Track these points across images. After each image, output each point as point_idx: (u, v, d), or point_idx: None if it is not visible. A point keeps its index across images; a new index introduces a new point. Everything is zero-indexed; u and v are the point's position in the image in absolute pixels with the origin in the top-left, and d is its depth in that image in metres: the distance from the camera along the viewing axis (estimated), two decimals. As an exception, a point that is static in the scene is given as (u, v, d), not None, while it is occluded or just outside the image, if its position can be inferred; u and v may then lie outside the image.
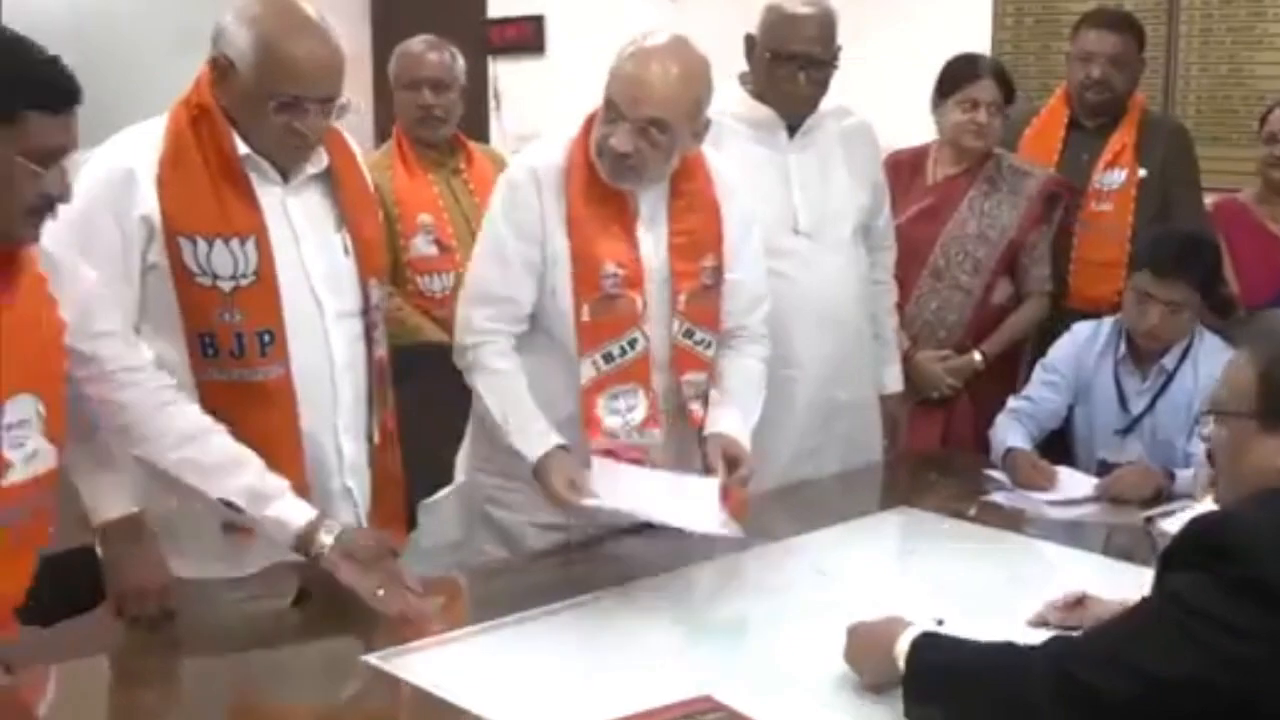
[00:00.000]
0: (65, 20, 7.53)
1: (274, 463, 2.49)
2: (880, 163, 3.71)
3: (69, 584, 2.58)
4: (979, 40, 5.52)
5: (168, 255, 2.48)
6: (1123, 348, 3.50)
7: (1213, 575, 1.78)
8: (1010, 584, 2.74)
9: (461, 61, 4.03)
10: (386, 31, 8.22)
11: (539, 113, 6.69)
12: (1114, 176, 4.07)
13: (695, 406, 2.93)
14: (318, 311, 2.60)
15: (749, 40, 3.44)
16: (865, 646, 2.14)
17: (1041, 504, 3.26)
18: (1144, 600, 1.88)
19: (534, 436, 2.77)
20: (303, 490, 2.54)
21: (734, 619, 2.59)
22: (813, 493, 3.48)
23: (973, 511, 3.23)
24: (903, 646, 2.04)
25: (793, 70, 3.35)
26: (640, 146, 2.73)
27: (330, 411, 2.65)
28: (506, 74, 7.18)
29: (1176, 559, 1.85)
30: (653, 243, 2.88)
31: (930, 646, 2.03)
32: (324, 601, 2.63)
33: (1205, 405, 2.10)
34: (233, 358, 2.51)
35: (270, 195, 2.56)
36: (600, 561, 2.86)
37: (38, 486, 2.21)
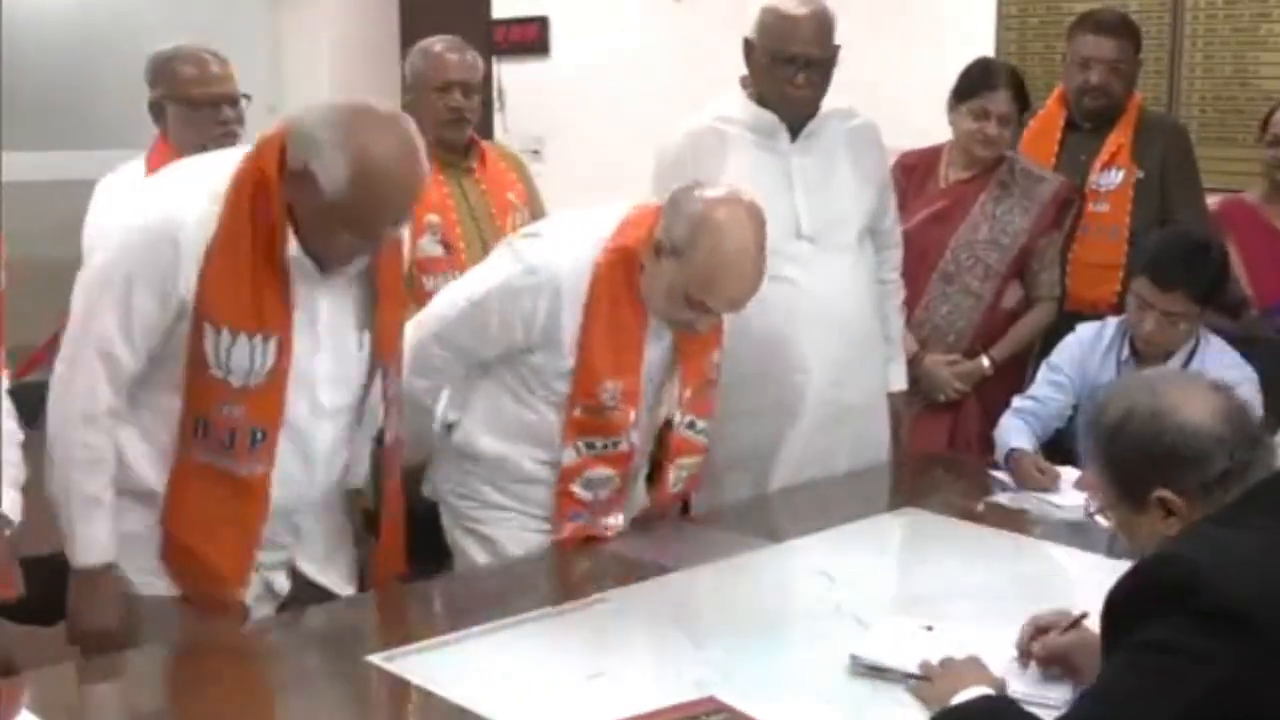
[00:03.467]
0: (74, 15, 7.57)
1: (229, 541, 2.55)
2: (887, 163, 3.70)
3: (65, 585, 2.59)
4: (983, 40, 5.52)
5: (188, 340, 2.46)
6: (1126, 349, 3.50)
7: (1177, 615, 1.80)
8: (1015, 585, 2.74)
9: (482, 63, 4.06)
10: (411, 35, 8.26)
11: (542, 113, 6.71)
12: (1111, 177, 4.06)
13: (678, 489, 3.08)
14: (310, 411, 2.60)
15: (747, 44, 3.42)
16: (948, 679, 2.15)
17: (1046, 504, 3.26)
18: (1115, 659, 1.89)
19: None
20: (242, 569, 2.59)
21: (738, 620, 2.58)
22: (818, 494, 3.48)
23: (978, 511, 3.22)
24: (966, 695, 2.05)
25: (792, 71, 3.34)
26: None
27: (297, 498, 2.65)
28: (510, 75, 7.19)
29: (1135, 609, 1.87)
30: (658, 350, 2.92)
31: (984, 702, 2.04)
32: (324, 602, 2.64)
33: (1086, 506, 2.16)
34: (221, 447, 2.51)
35: (304, 289, 2.52)
36: (604, 562, 2.87)
37: None
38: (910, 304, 3.87)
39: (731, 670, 2.29)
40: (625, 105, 6.85)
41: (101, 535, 2.52)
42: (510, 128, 7.09)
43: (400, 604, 2.80)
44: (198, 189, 2.47)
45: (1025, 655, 2.24)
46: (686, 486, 3.15)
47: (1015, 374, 3.97)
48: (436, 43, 4.01)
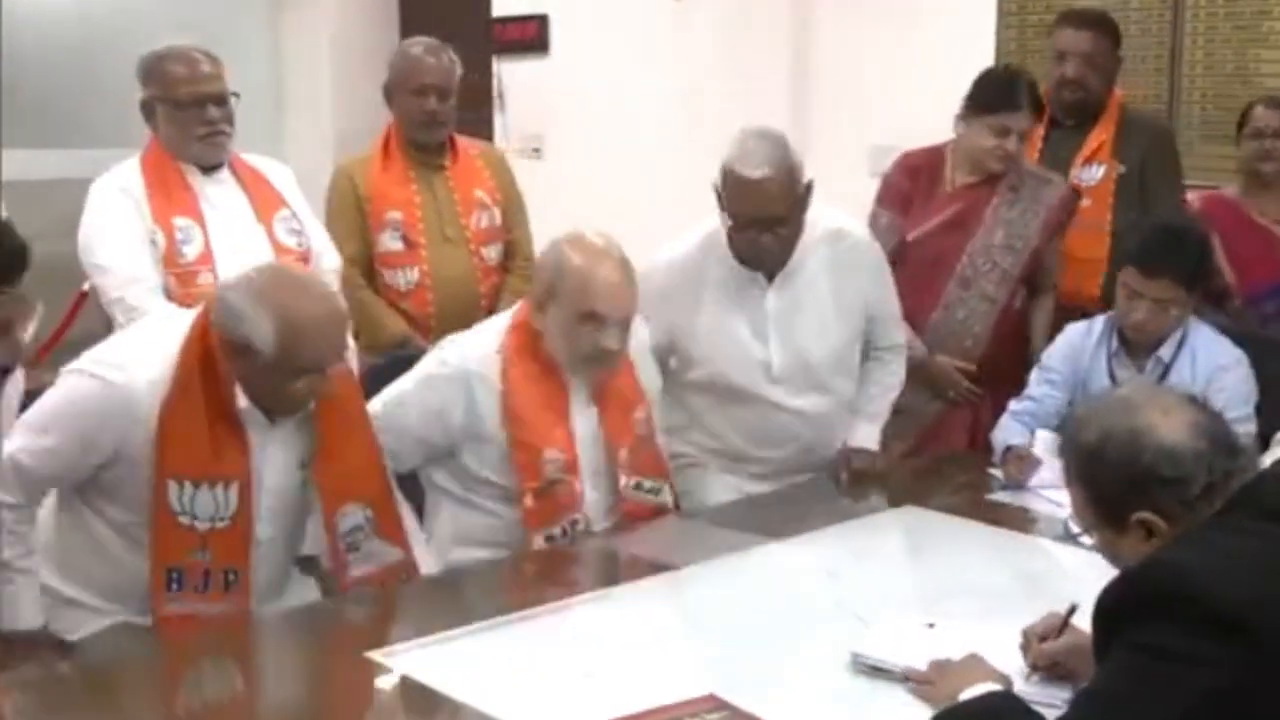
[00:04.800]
0: (73, 14, 7.56)
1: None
2: (881, 280, 3.56)
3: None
4: (984, 38, 5.52)
5: (153, 495, 2.57)
6: (1115, 342, 3.51)
7: (1171, 620, 1.81)
8: (1015, 582, 2.74)
9: (460, 65, 4.07)
10: (412, 32, 8.26)
11: (542, 112, 6.71)
12: (1092, 172, 4.10)
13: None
14: (267, 543, 2.70)
15: (716, 193, 3.30)
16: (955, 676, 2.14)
17: (1046, 502, 3.25)
18: (1109, 663, 1.89)
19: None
20: None
21: (739, 617, 2.58)
22: (819, 491, 3.48)
23: (979, 511, 3.22)
24: (972, 692, 2.05)
25: (757, 232, 3.26)
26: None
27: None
28: (510, 73, 7.19)
29: (1128, 616, 1.87)
30: (587, 424, 3.02)
31: (989, 699, 2.04)
32: (328, 599, 2.64)
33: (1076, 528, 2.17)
34: (197, 594, 2.61)
35: (258, 438, 2.66)
36: (605, 559, 2.87)
37: None
38: (927, 309, 3.89)
39: (732, 668, 2.28)
40: (626, 104, 6.85)
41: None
42: (510, 127, 7.09)
43: (401, 600, 2.80)
44: (152, 355, 2.60)
45: (1032, 668, 2.23)
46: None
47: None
48: (415, 45, 4.05)
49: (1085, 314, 3.71)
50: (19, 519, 2.60)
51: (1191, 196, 4.21)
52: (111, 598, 2.68)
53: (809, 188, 3.29)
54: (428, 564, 2.89)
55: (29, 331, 2.24)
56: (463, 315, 3.52)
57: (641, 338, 3.17)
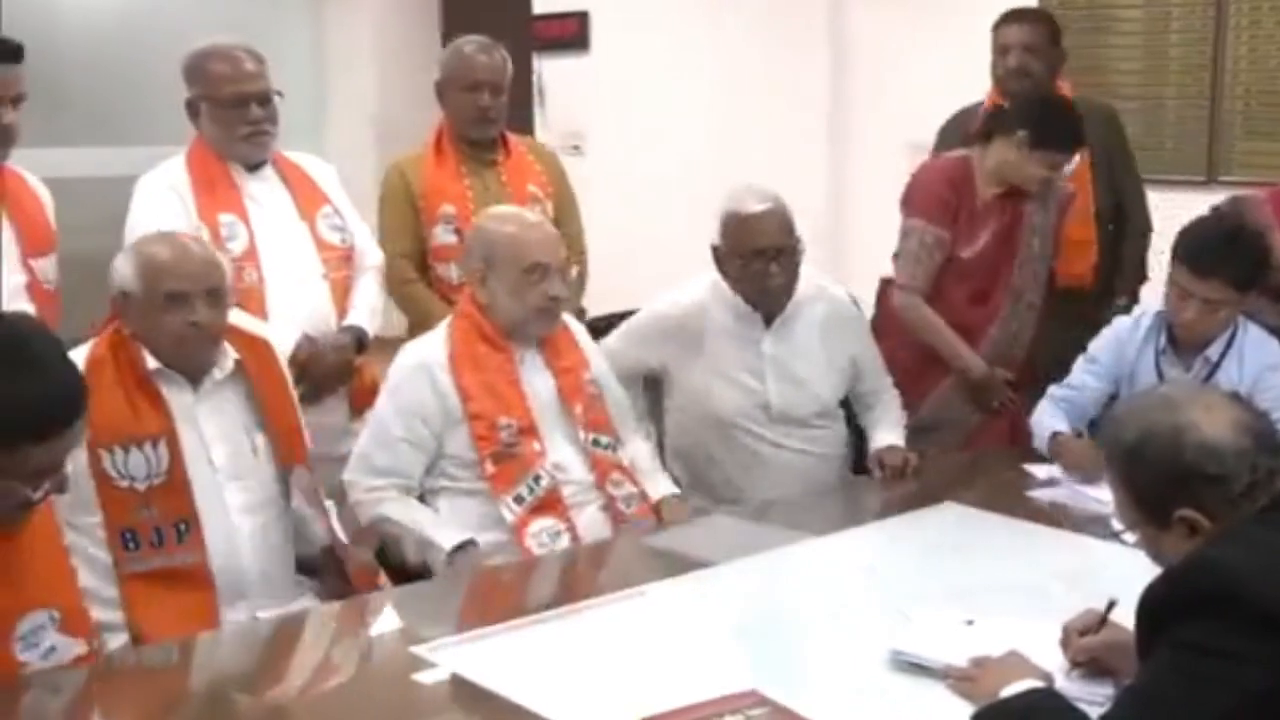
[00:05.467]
0: (118, 14, 7.62)
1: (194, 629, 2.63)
2: (862, 337, 3.75)
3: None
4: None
5: (89, 465, 2.66)
6: (1163, 339, 3.48)
7: (1216, 619, 1.80)
8: (1055, 579, 2.72)
9: (510, 63, 4.09)
10: (453, 29, 8.30)
11: (583, 109, 6.72)
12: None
13: (631, 510, 3.19)
14: (222, 510, 2.79)
15: (715, 250, 3.53)
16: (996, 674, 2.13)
17: (1084, 498, 3.24)
18: (1154, 660, 1.88)
19: (447, 529, 3.02)
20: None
21: (780, 614, 2.58)
22: (859, 489, 3.47)
23: (1018, 507, 3.21)
24: (1014, 689, 2.04)
25: (764, 263, 3.46)
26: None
27: (237, 584, 2.79)
28: (550, 70, 7.20)
29: (1172, 613, 1.86)
30: (541, 384, 3.16)
31: (1031, 695, 2.03)
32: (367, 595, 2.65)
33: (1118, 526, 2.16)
34: (152, 548, 2.70)
35: (181, 403, 2.78)
36: (647, 555, 2.87)
37: None
38: (983, 324, 3.92)
39: (772, 663, 2.29)
40: (665, 100, 6.86)
41: None
42: (550, 123, 7.10)
43: (443, 596, 2.81)
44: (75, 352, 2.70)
45: (1072, 664, 2.23)
46: (639, 511, 3.20)
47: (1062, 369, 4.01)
48: (467, 43, 4.06)
49: (1082, 292, 4.01)
50: None
51: (1260, 191, 4.19)
52: (110, 606, 2.68)
53: (800, 240, 3.51)
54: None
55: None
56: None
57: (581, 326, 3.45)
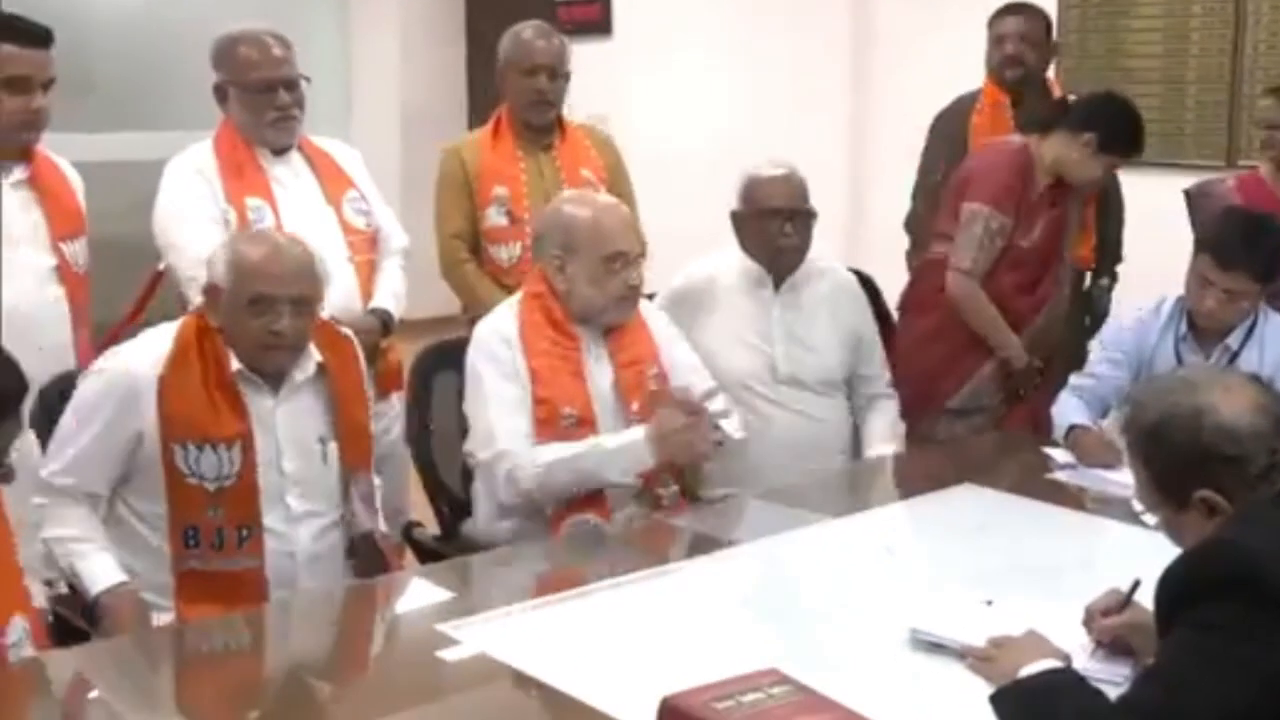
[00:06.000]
0: (146, 3, 7.63)
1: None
2: (866, 316, 3.79)
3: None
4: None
5: (162, 458, 2.68)
6: (1184, 326, 3.47)
7: (1236, 601, 1.80)
8: (1074, 561, 2.73)
9: (570, 48, 4.11)
10: (477, 14, 8.30)
11: (606, 94, 6.70)
12: None
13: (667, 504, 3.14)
14: (285, 516, 2.79)
15: (735, 215, 3.65)
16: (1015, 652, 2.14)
17: (1103, 481, 3.23)
18: (1173, 640, 1.88)
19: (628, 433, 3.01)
20: None
21: (800, 593, 2.59)
22: (879, 471, 3.47)
23: (1037, 490, 3.20)
24: (1033, 668, 2.04)
25: (780, 222, 3.56)
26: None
27: (289, 591, 2.78)
28: (573, 56, 7.19)
29: (1191, 595, 1.86)
30: (601, 375, 3.12)
31: (1049, 675, 2.03)
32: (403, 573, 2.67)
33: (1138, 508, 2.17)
34: (213, 549, 2.71)
35: (260, 407, 2.77)
36: (668, 535, 2.87)
37: None
38: (1029, 313, 3.96)
39: (793, 642, 2.30)
40: (686, 84, 6.84)
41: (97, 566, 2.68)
42: (573, 107, 7.10)
43: (471, 575, 2.82)
44: (154, 339, 2.80)
45: (1096, 644, 2.22)
46: (674, 505, 3.17)
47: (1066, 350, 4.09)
48: (526, 28, 4.10)
49: (1082, 276, 4.21)
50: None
51: (1227, 175, 4.24)
52: (163, 592, 2.73)
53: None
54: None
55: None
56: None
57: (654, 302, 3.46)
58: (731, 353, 3.55)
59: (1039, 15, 4.54)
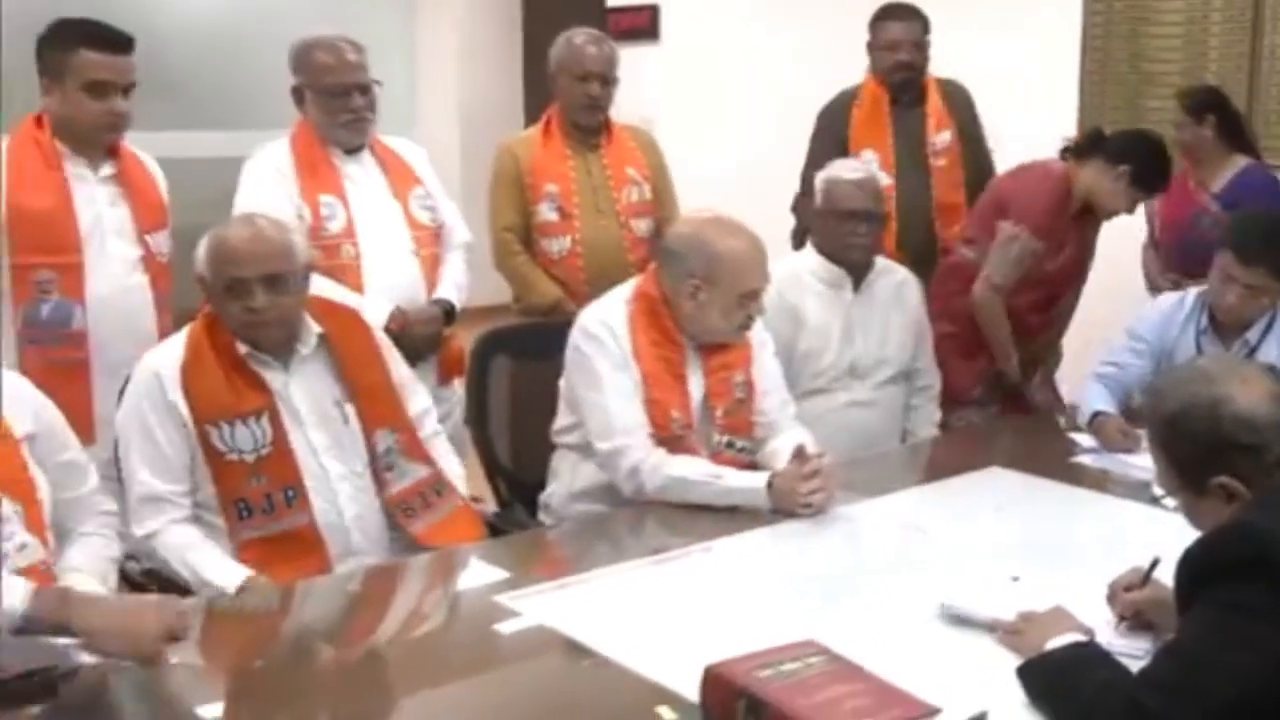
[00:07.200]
0: (225, 7, 7.67)
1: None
2: (923, 312, 3.83)
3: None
4: (1069, 28, 5.42)
5: (199, 441, 2.69)
6: (1205, 319, 3.44)
7: (1253, 582, 1.79)
8: (1098, 540, 2.72)
9: (619, 54, 4.12)
10: (533, 21, 8.31)
11: (654, 98, 6.70)
12: (942, 137, 4.44)
13: None
14: (322, 478, 2.78)
15: (816, 213, 3.69)
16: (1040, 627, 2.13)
17: (1126, 465, 3.21)
18: (1192, 617, 1.86)
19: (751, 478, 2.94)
20: None
21: (835, 568, 2.59)
22: (907, 453, 3.45)
23: (1062, 473, 3.19)
24: (1058, 642, 2.04)
25: (856, 224, 3.59)
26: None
27: (345, 549, 2.78)
28: (622, 60, 7.19)
29: (1210, 576, 1.84)
30: (696, 383, 3.07)
31: (1074, 648, 2.02)
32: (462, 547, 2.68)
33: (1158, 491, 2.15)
34: (265, 515, 2.71)
35: (276, 381, 2.77)
36: (707, 514, 2.87)
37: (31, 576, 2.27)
38: (1037, 331, 4.07)
39: (829, 615, 2.29)
40: (731, 89, 6.82)
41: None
42: (622, 113, 7.10)
43: (524, 549, 2.84)
44: (172, 340, 2.82)
45: (1119, 618, 2.21)
46: None
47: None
48: (578, 34, 4.11)
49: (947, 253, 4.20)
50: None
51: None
52: None
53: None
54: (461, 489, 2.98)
55: None
56: (613, 282, 3.49)
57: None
58: (820, 353, 3.61)
59: (920, 16, 4.48)
